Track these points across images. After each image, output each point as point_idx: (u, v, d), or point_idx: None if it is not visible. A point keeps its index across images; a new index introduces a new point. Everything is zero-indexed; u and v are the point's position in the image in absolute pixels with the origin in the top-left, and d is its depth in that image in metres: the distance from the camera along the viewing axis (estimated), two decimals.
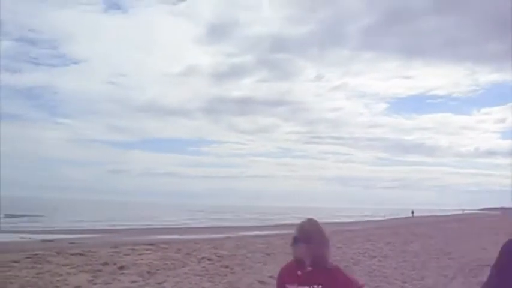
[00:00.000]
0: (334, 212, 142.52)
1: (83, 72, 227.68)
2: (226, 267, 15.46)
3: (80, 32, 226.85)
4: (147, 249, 19.56)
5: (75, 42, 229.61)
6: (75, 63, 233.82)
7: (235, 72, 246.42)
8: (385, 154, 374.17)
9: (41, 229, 40.25)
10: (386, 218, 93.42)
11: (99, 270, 13.98)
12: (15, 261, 15.01)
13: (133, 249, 19.31)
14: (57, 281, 12.26)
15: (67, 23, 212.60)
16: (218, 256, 18.04)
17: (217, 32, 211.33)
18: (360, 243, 24.44)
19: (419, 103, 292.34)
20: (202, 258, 17.39)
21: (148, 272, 14.01)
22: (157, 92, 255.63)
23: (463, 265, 17.11)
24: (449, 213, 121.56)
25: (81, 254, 17.35)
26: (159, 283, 12.48)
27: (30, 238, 29.97)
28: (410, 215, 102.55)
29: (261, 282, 13.01)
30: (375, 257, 19.21)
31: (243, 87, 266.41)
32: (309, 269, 3.23)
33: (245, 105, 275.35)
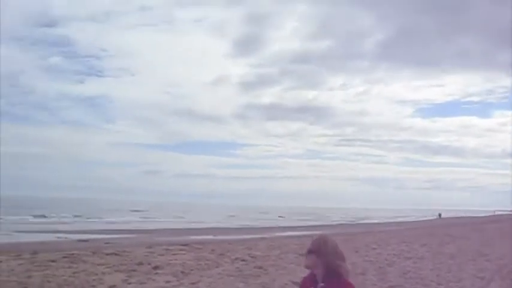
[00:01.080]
0: (367, 213, 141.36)
1: (136, 83, 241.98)
2: (260, 267, 15.43)
3: (139, 49, 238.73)
4: (181, 250, 19.65)
5: (135, 57, 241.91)
6: (132, 75, 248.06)
7: (261, 82, 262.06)
8: (416, 155, 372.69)
9: (77, 229, 40.82)
10: (420, 219, 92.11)
11: (134, 270, 14.10)
12: (52, 261, 15.25)
13: (167, 250, 19.43)
14: (93, 280, 12.41)
15: (130, 41, 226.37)
16: (251, 257, 18.03)
17: (244, 47, 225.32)
18: (394, 244, 24.13)
19: (442, 107, 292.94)
20: (236, 258, 17.39)
21: (182, 272, 14.07)
22: (193, 99, 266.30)
23: (501, 267, 16.75)
24: (481, 214, 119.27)
25: (116, 254, 17.51)
26: (193, 283, 12.52)
27: (66, 238, 30.43)
28: (437, 216, 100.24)
29: (295, 283, 12.92)
30: (410, 258, 18.93)
31: (271, 95, 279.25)
32: (321, 285, 3.27)
33: (274, 111, 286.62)
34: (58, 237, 30.94)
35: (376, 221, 79.71)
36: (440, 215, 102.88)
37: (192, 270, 14.60)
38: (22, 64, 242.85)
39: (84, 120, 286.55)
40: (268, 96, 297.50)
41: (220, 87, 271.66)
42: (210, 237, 32.20)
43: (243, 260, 17.03)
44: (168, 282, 12.63)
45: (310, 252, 3.51)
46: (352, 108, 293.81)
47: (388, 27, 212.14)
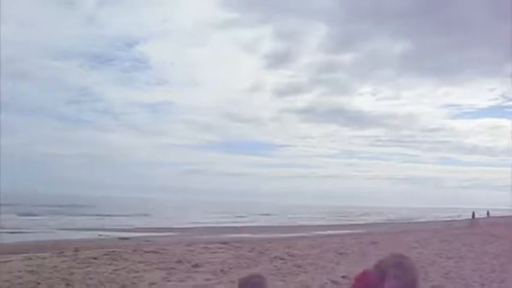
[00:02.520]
0: (406, 212, 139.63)
1: (195, 90, 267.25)
2: (299, 266, 15.37)
3: (193, 63, 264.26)
4: (220, 248, 19.73)
5: (198, 70, 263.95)
6: (196, 84, 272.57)
7: (293, 89, 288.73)
8: (451, 155, 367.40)
9: (118, 227, 41.42)
10: (461, 218, 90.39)
11: (174, 268, 14.20)
12: (94, 258, 15.48)
13: (206, 248, 19.53)
14: (133, 277, 12.54)
15: (195, 58, 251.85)
16: (290, 255, 17.97)
17: (276, 60, 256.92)
18: (435, 244, 23.74)
19: (471, 109, 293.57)
20: (275, 257, 17.36)
21: (222, 270, 14.11)
22: (235, 105, 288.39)
23: None
24: None
25: (156, 252, 17.67)
26: (232, 281, 12.53)
27: (108, 236, 30.91)
28: (486, 215, 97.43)
29: (334, 282, 12.84)
30: (451, 258, 18.59)
31: (304, 101, 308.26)
32: None
33: (307, 115, 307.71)
34: (100, 235, 31.46)
35: (415, 220, 78.72)
36: (488, 213, 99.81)
37: (231, 268, 14.63)
38: (97, 77, 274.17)
39: (145, 124, 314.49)
40: (301, 101, 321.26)
41: (257, 94, 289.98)
42: (249, 235, 32.27)
43: (282, 259, 16.99)
44: (207, 280, 12.68)
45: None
46: (382, 112, 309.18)
47: (406, 39, 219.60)
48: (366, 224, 58.31)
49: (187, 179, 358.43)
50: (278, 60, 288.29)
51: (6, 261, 14.78)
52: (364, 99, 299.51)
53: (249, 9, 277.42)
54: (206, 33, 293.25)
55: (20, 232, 32.92)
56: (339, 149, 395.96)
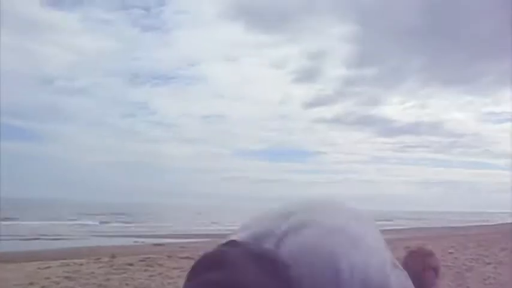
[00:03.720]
0: (440, 216, 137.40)
1: (232, 103, 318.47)
2: None
3: (239, 80, 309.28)
4: None
5: (235, 86, 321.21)
6: (243, 98, 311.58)
7: (321, 101, 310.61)
8: (482, 159, 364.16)
9: (152, 233, 41.79)
10: (498, 222, 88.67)
11: None
12: (130, 264, 15.67)
13: None
14: (168, 283, 12.66)
15: (234, 75, 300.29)
16: None
17: (303, 75, 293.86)
18: (472, 249, 23.33)
19: (496, 115, 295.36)
20: None
21: None
22: (268, 115, 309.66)
23: None
24: None
25: (190, 258, 17.76)
26: None
27: (143, 242, 31.21)
28: None
29: None
30: (489, 263, 18.26)
31: (332, 111, 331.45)
32: None
33: (336, 124, 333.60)
34: (135, 241, 31.78)
35: (449, 224, 77.47)
36: None
37: None
38: (155, 93, 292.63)
39: (193, 134, 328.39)
40: (329, 112, 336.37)
41: (287, 106, 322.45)
42: None
43: None
44: None
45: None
46: (410, 120, 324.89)
47: (423, 54, 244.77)
48: (399, 229, 57.63)
49: (227, 186, 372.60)
50: (305, 75, 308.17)
51: (45, 267, 15.08)
52: (391, 108, 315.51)
53: (275, 32, 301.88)
54: (240, 53, 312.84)
55: (58, 238, 33.46)
56: (369, 155, 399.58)
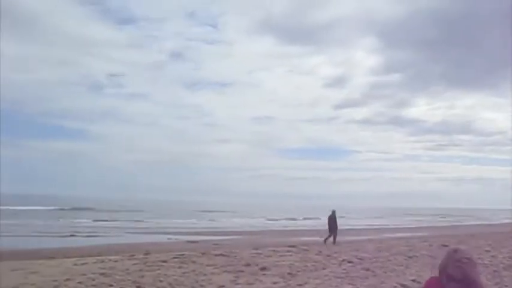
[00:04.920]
0: (476, 213, 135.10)
1: (275, 106, 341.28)
2: (368, 270, 15.15)
3: (274, 86, 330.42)
4: (288, 251, 19.72)
5: (272, 92, 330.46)
6: (279, 101, 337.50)
7: (351, 103, 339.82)
8: None
9: (186, 230, 42.02)
10: None
11: (242, 271, 14.29)
12: (164, 261, 15.79)
13: (274, 251, 19.55)
14: (202, 280, 12.69)
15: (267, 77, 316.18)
16: (359, 258, 17.76)
17: (333, 80, 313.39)
18: (509, 247, 22.85)
19: None
20: (343, 260, 17.20)
21: (289, 274, 14.09)
22: (302, 117, 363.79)
23: None
24: None
25: (224, 255, 17.83)
26: (300, 285, 12.49)
27: (176, 239, 31.41)
28: None
29: (404, 286, 12.60)
30: None
31: (362, 113, 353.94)
32: None
33: (367, 125, 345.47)
34: (169, 238, 32.01)
35: (486, 222, 76.19)
36: None
37: (298, 271, 14.59)
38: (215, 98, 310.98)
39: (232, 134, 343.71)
40: (358, 114, 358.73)
41: (318, 108, 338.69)
42: (317, 238, 32.02)
43: (350, 262, 16.81)
44: (275, 283, 12.69)
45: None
46: (438, 120, 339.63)
47: (443, 62, 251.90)
48: (435, 227, 56.85)
49: (263, 184, 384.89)
50: (334, 81, 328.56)
51: (81, 264, 15.30)
52: (419, 109, 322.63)
53: (303, 44, 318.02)
54: (273, 63, 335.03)
55: (94, 236, 33.91)
56: (401, 153, 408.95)
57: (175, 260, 16.25)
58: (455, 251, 3.28)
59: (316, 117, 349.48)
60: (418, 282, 12.46)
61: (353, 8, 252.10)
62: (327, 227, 29.83)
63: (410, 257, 18.62)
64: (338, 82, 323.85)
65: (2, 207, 61.33)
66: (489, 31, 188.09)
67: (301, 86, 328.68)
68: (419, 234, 38.92)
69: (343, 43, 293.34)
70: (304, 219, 76.58)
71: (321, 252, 19.74)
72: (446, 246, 22.31)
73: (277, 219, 72.12)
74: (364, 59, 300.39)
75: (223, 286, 12.14)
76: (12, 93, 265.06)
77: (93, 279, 12.43)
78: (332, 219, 29.80)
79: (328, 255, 18.53)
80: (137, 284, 11.96)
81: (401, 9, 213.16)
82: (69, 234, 34.32)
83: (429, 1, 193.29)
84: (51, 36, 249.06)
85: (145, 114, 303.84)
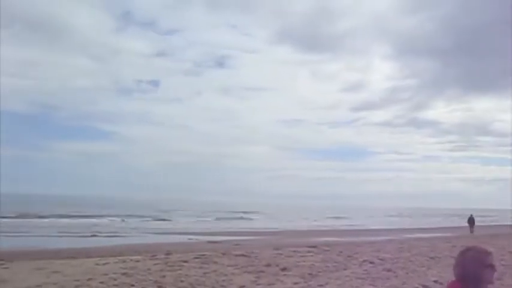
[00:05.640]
0: (496, 214, 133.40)
1: (295, 108, 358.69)
2: (389, 270, 15.06)
3: (294, 90, 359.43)
4: (308, 251, 19.67)
5: (293, 95, 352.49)
6: (298, 105, 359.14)
7: (369, 106, 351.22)
8: None
9: (207, 231, 42.17)
10: None
11: (262, 271, 14.28)
12: (185, 261, 15.84)
13: (295, 251, 19.51)
14: (223, 280, 12.71)
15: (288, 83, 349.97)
16: (380, 259, 17.66)
17: (350, 85, 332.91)
18: None
19: None
20: (364, 261, 17.11)
21: (310, 274, 14.06)
22: (322, 118, 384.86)
23: None
24: None
25: (245, 255, 17.84)
26: (321, 285, 12.46)
27: (197, 239, 31.52)
28: None
29: (425, 287, 12.51)
30: None
31: (380, 116, 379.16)
32: None
33: (385, 127, 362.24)
34: (190, 239, 32.14)
35: (508, 222, 75.25)
36: None
37: (319, 272, 14.55)
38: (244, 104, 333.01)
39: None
40: (377, 116, 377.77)
41: (337, 111, 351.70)
42: (337, 238, 31.96)
43: (371, 263, 16.72)
44: (296, 283, 12.67)
45: None
46: (457, 122, 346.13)
47: (457, 68, 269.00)
48: (456, 227, 56.29)
49: (284, 184, 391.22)
50: (352, 85, 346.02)
51: (103, 264, 15.40)
52: (437, 112, 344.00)
53: (322, 51, 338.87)
54: (295, 69, 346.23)
55: (116, 236, 34.18)
56: (421, 154, 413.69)
57: (196, 260, 16.30)
58: (488, 253, 3.22)
59: (336, 119, 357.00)
60: (440, 284, 12.36)
61: (367, 18, 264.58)
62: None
63: (432, 258, 18.47)
64: (356, 87, 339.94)
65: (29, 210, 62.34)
66: (501, 37, 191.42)
67: (321, 90, 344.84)
68: (440, 234, 38.62)
69: (359, 51, 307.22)
70: (327, 218, 76.43)
71: (341, 252, 19.66)
72: (468, 247, 22.06)
73: (296, 220, 72.08)
74: (381, 65, 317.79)
75: (244, 286, 12.15)
76: (47, 98, 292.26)
77: (115, 279, 12.51)
78: (471, 220, 44.08)
79: (349, 256, 18.45)
80: (158, 284, 12.02)
81: (414, 18, 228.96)
82: (90, 234, 34.65)
83: (440, 10, 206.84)
84: (86, 46, 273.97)
85: (176, 117, 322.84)
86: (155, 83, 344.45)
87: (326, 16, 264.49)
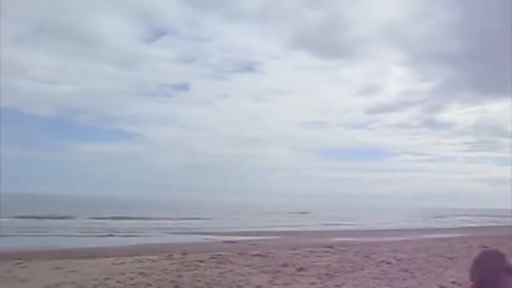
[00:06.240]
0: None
1: (312, 111, 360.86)
2: (406, 271, 14.98)
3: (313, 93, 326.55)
4: (325, 252, 19.63)
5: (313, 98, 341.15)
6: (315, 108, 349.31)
7: (384, 109, 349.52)
8: None
9: (224, 230, 42.22)
10: None
11: (279, 271, 14.28)
12: (201, 261, 15.88)
13: (311, 251, 19.49)
14: (239, 280, 12.73)
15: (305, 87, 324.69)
16: (397, 259, 17.57)
17: (365, 89, 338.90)
18: None
19: None
20: (381, 261, 17.03)
21: (327, 274, 14.03)
22: (338, 121, 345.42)
23: None
24: None
25: (261, 255, 17.85)
26: (338, 285, 12.43)
27: (214, 239, 31.57)
28: None
29: (443, 287, 12.42)
30: None
31: (395, 117, 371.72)
32: None
33: (402, 128, 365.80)
34: (206, 239, 32.19)
35: None
36: None
37: (336, 272, 14.51)
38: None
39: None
40: (392, 118, 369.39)
41: (352, 113, 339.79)
42: (354, 239, 31.84)
43: (388, 263, 16.64)
44: (312, 284, 12.65)
45: None
46: (472, 123, 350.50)
47: (469, 73, 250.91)
48: (473, 227, 55.88)
49: (302, 184, 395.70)
50: (366, 89, 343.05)
51: (120, 263, 15.49)
52: (451, 114, 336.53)
53: (338, 57, 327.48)
54: (312, 74, 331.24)
55: (132, 235, 34.35)
56: (437, 155, 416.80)
57: (213, 260, 16.34)
58: (504, 256, 3.20)
59: (353, 122, 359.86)
60: (458, 284, 12.28)
61: (380, 25, 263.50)
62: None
63: (449, 258, 18.33)
64: (371, 90, 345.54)
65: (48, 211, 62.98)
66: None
67: (338, 94, 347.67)
68: (457, 235, 38.30)
69: (373, 56, 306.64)
70: (342, 219, 76.15)
71: (358, 252, 19.59)
72: (486, 247, 21.94)
73: (313, 220, 71.95)
74: (394, 70, 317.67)
75: (261, 286, 12.16)
76: (74, 102, 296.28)
77: (132, 279, 12.58)
78: None
79: (365, 256, 18.38)
80: (175, 284, 12.06)
81: (425, 24, 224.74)
82: (107, 234, 34.85)
83: (451, 16, 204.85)
84: (112, 53, 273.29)
85: (201, 120, 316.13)
86: (180, 87, 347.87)
87: (340, 24, 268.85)
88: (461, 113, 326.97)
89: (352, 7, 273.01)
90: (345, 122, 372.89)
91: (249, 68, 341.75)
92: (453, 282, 12.76)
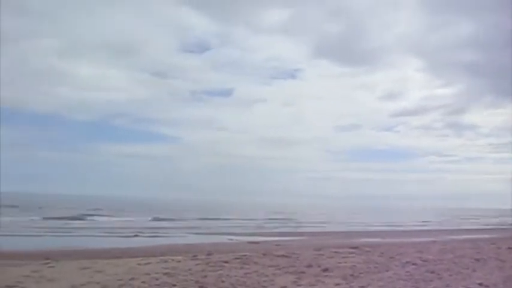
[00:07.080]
0: None
1: (339, 115, 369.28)
2: (432, 272, 14.81)
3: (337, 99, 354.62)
4: (350, 252, 19.52)
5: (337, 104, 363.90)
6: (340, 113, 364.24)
7: (407, 113, 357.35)
8: None
9: (248, 231, 42.32)
10: None
11: (303, 272, 14.22)
12: (225, 262, 15.89)
13: (336, 252, 19.39)
14: (264, 281, 12.69)
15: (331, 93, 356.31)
16: (423, 260, 17.39)
17: (388, 94, 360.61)
18: None
19: None
20: (407, 262, 16.87)
21: (352, 275, 13.93)
22: (364, 124, 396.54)
23: None
24: None
25: (286, 256, 17.81)
26: (363, 286, 12.33)
27: (238, 240, 31.64)
28: None
29: None
30: None
31: (418, 120, 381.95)
32: None
33: (426, 131, 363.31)
34: (230, 239, 32.29)
35: None
36: None
37: (361, 273, 14.41)
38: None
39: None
40: (415, 121, 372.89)
41: (376, 116, 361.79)
42: (380, 240, 31.66)
43: (414, 264, 16.47)
44: (337, 285, 12.57)
45: None
46: (496, 125, 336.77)
47: (484, 80, 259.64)
48: (499, 228, 55.12)
49: (326, 185, 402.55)
50: (389, 94, 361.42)
51: (145, 264, 15.58)
52: (474, 116, 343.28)
53: (357, 65, 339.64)
54: (338, 81, 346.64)
55: (157, 236, 34.59)
56: (462, 156, 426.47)
57: (237, 260, 16.34)
58: None
59: (378, 125, 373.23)
60: (486, 286, 12.10)
61: (400, 34, 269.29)
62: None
63: (477, 260, 18.06)
64: (394, 96, 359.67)
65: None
66: None
67: (362, 99, 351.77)
68: (485, 236, 37.80)
69: (393, 64, 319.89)
70: (366, 220, 75.81)
71: (383, 253, 19.44)
72: None
73: (339, 220, 71.76)
74: (414, 76, 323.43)
75: (285, 287, 12.12)
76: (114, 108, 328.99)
77: (157, 279, 12.63)
78: None
79: (391, 257, 18.22)
80: (200, 284, 12.08)
81: (443, 33, 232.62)
82: (133, 234, 35.14)
83: (464, 25, 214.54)
84: (148, 62, 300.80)
85: (238, 123, 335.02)
86: (216, 93, 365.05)
87: (361, 34, 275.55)
88: (484, 115, 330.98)
89: (372, 19, 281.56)
90: (371, 126, 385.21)
91: (281, 75, 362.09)
92: (480, 284, 12.56)
